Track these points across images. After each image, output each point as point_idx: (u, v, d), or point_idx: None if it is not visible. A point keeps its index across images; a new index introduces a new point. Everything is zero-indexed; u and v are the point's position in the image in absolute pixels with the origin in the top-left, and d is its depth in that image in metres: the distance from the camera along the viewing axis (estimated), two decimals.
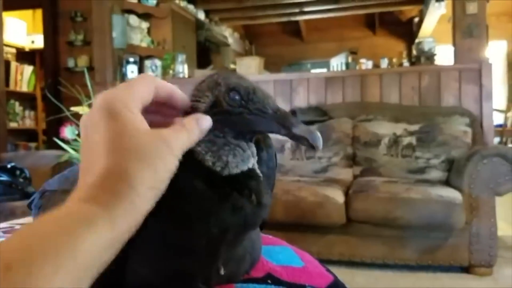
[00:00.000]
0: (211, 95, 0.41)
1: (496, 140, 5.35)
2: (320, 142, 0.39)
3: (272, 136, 0.50)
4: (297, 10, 7.07)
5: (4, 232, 1.13)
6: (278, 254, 0.54)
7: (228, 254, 0.42)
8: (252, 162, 0.42)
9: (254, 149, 0.42)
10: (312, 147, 0.39)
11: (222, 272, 0.42)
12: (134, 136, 0.34)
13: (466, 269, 2.45)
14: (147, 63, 4.21)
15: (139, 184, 0.32)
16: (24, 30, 5.50)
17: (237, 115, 0.40)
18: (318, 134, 0.39)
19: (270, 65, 6.32)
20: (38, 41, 5.38)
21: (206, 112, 0.40)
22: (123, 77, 3.97)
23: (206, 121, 0.39)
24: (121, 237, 0.31)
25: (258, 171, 0.42)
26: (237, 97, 0.40)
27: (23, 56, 5.46)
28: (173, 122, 0.38)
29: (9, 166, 2.24)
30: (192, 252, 0.40)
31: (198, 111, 0.40)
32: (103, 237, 0.30)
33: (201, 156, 0.39)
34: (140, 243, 0.38)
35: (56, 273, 0.27)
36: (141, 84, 0.37)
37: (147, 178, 0.33)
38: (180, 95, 0.40)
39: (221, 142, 0.40)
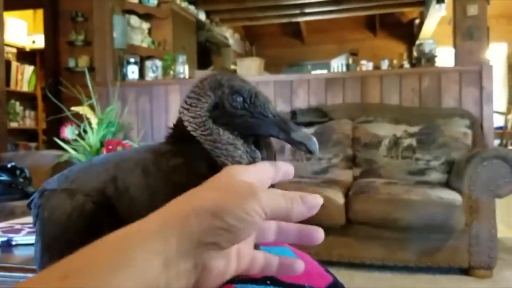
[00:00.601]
0: (213, 95, 0.40)
1: (496, 142, 5.36)
2: (317, 148, 0.40)
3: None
4: (297, 11, 7.08)
5: (4, 232, 1.13)
6: (277, 254, 0.54)
7: None
8: None
9: (259, 154, 0.42)
10: (309, 152, 0.39)
11: None
12: (225, 178, 0.35)
13: (466, 271, 2.45)
14: (148, 63, 4.21)
15: (196, 203, 0.32)
16: (24, 30, 5.51)
17: (239, 117, 0.40)
18: (315, 140, 0.39)
19: (271, 66, 6.32)
20: (38, 41, 5.38)
21: (208, 111, 0.40)
22: (123, 77, 3.97)
23: (314, 199, 0.37)
24: (174, 255, 0.30)
25: None
26: (240, 100, 0.40)
27: (24, 56, 5.46)
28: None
29: (9, 165, 2.24)
30: None
31: (197, 108, 0.40)
32: (156, 251, 0.30)
33: (222, 158, 0.39)
34: None
35: (113, 278, 0.27)
36: (265, 165, 0.39)
37: (208, 201, 0.32)
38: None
39: (242, 148, 0.40)
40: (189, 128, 0.40)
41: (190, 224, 0.31)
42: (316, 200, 0.37)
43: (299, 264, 0.40)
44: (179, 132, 0.41)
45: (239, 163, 0.39)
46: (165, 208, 0.33)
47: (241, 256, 0.38)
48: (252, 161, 0.40)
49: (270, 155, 0.49)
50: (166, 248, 0.30)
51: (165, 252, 0.30)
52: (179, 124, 0.41)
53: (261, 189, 0.34)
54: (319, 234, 0.41)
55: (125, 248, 0.29)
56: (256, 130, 0.40)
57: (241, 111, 0.40)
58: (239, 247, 0.37)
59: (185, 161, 0.39)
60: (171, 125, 0.43)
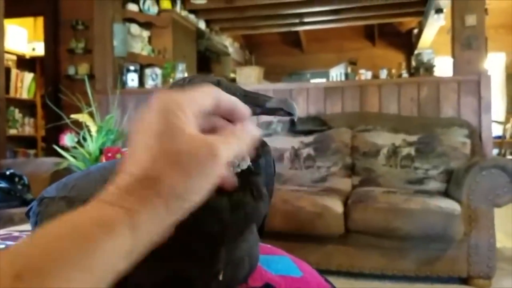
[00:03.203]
0: None
1: (495, 151, 5.36)
2: (295, 109, 0.40)
3: (271, 145, 0.50)
4: (297, 20, 7.11)
5: (3, 239, 1.13)
6: (277, 264, 0.53)
7: (228, 255, 0.41)
8: (249, 159, 0.43)
9: None
10: (289, 114, 0.39)
11: (221, 277, 0.41)
12: (178, 140, 0.32)
13: (465, 281, 2.44)
14: (148, 71, 4.22)
15: (167, 193, 0.30)
16: (25, 38, 5.53)
17: None
18: (292, 102, 0.40)
19: (270, 75, 6.35)
20: (38, 49, 5.40)
21: None
22: (123, 85, 3.98)
23: (257, 129, 0.37)
24: (141, 246, 0.29)
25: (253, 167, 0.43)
26: None
27: (24, 63, 5.47)
28: (223, 129, 0.35)
29: (8, 173, 2.24)
30: (192, 253, 0.39)
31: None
32: (123, 244, 0.28)
33: None
34: None
35: (73, 281, 0.25)
36: (202, 93, 0.35)
37: (178, 188, 0.30)
38: (242, 108, 0.37)
39: None
40: None
41: (162, 220, 0.30)
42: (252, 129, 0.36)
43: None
44: None
45: None
46: (131, 193, 0.30)
47: None
48: None
49: (269, 162, 0.49)
50: (134, 240, 0.28)
51: (132, 241, 0.28)
52: None
53: (218, 149, 0.32)
54: None
55: (91, 242, 0.27)
56: None
57: None
58: None
59: None
60: None
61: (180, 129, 0.32)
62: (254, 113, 0.41)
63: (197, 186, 0.31)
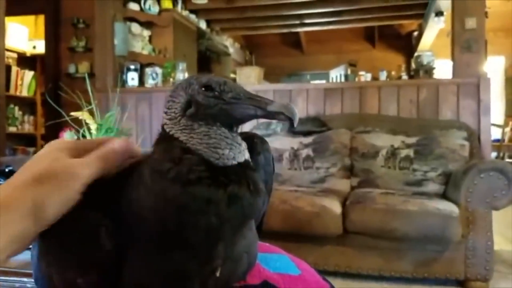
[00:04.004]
0: (185, 94, 0.43)
1: (493, 155, 5.38)
2: (295, 114, 0.41)
3: (270, 145, 0.51)
4: (297, 21, 7.12)
5: None
6: (275, 262, 0.54)
7: (226, 251, 0.42)
8: (248, 155, 0.43)
9: (240, 139, 0.43)
10: (289, 119, 0.40)
11: (218, 273, 0.42)
12: (46, 163, 0.39)
13: (462, 283, 2.45)
14: (148, 70, 4.22)
15: (34, 201, 0.37)
16: (25, 36, 5.53)
17: (214, 107, 0.42)
18: (293, 107, 0.41)
19: (270, 76, 6.35)
20: (39, 47, 5.40)
21: (182, 110, 0.42)
22: (123, 84, 3.98)
23: (120, 144, 0.43)
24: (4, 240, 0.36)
25: (252, 163, 0.44)
26: (210, 91, 0.42)
27: (24, 61, 5.47)
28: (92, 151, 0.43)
29: (7, 170, 2.24)
30: (190, 248, 0.40)
31: (172, 110, 0.44)
32: None
33: (194, 147, 0.41)
34: (138, 239, 0.38)
35: None
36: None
37: (39, 199, 0.37)
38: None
39: (218, 136, 0.41)
40: (168, 129, 0.43)
41: (18, 221, 0.37)
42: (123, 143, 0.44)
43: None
44: (162, 134, 0.44)
45: (215, 150, 0.41)
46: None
47: None
48: (232, 145, 0.42)
49: (268, 160, 0.50)
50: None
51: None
52: (162, 127, 0.44)
53: (78, 170, 0.39)
54: None
55: None
56: (234, 114, 0.42)
57: (214, 101, 0.42)
58: None
59: (176, 154, 0.41)
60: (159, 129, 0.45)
61: (53, 157, 0.40)
62: (256, 116, 0.42)
63: (56, 199, 0.38)
